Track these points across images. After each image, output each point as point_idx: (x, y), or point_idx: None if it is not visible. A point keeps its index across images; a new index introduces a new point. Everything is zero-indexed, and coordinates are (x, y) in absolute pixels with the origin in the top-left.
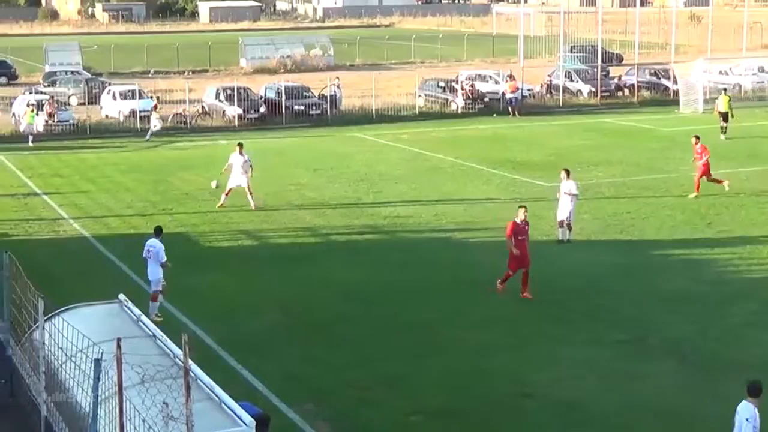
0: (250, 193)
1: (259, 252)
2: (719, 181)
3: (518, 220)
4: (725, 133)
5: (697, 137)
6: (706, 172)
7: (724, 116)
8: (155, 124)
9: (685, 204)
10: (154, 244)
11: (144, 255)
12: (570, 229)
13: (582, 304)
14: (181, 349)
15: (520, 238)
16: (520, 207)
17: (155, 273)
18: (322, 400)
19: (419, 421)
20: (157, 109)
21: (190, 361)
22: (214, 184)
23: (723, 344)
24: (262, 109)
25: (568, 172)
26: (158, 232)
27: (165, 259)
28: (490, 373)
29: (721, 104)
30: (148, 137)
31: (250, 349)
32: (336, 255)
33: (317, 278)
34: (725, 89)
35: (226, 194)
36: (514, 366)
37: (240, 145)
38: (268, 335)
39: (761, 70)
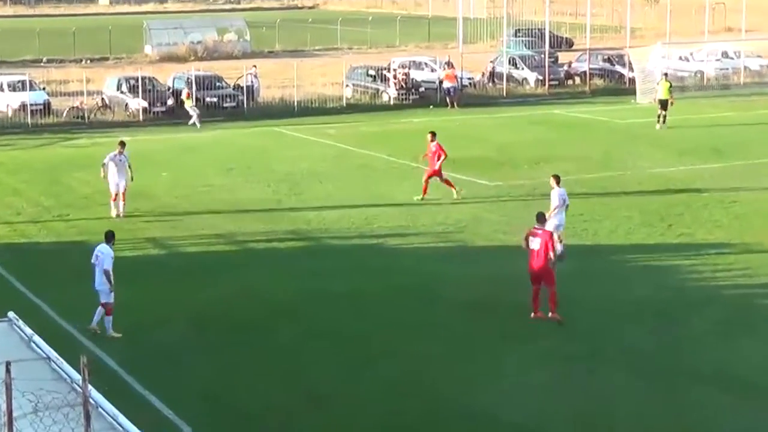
0: (123, 200)
1: (169, 262)
2: (451, 185)
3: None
4: (664, 122)
5: (433, 134)
6: (438, 173)
7: (663, 104)
8: (193, 114)
9: (643, 204)
10: (102, 249)
11: (92, 261)
12: (560, 240)
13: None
14: (80, 373)
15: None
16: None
17: (103, 282)
18: (241, 425)
19: None
20: (190, 97)
21: (90, 387)
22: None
23: (682, 355)
24: (170, 102)
25: (558, 179)
26: (109, 237)
27: (109, 267)
28: (430, 389)
29: (661, 91)
30: (196, 123)
31: (159, 371)
32: (255, 264)
33: (235, 290)
34: (666, 74)
35: (114, 200)
36: (457, 382)
37: (122, 143)
38: (180, 354)
39: (725, 55)
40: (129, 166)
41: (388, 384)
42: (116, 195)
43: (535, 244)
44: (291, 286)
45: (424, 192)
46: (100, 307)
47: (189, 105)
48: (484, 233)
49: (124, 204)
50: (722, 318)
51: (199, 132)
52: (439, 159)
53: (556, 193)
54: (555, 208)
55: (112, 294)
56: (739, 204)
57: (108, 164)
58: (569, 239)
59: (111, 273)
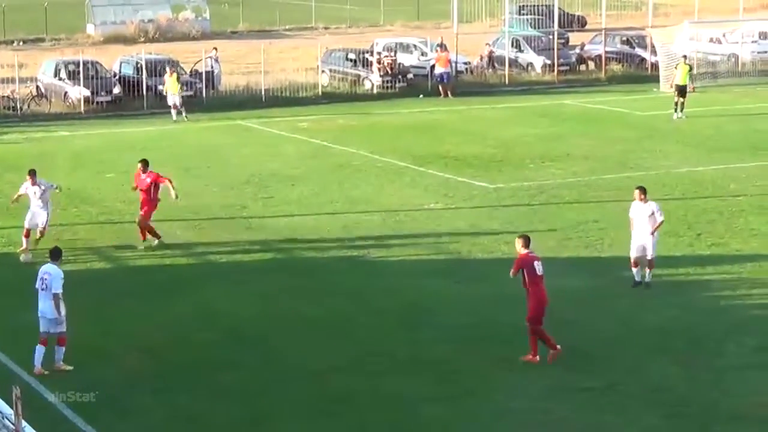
0: (41, 235)
1: (115, 278)
2: (152, 235)
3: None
4: (682, 110)
5: (145, 162)
6: (148, 213)
7: (681, 91)
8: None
9: (667, 210)
10: (49, 270)
11: (37, 285)
12: (651, 267)
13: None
14: (12, 408)
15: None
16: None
17: (53, 309)
18: None
19: None
20: (165, 86)
21: (24, 423)
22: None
23: (716, 390)
24: (117, 90)
25: (644, 191)
26: (55, 254)
27: (59, 290)
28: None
29: (679, 75)
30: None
31: (103, 407)
32: (216, 281)
33: (192, 312)
34: (685, 56)
35: (26, 236)
36: (449, 423)
37: (31, 173)
38: (127, 388)
39: (763, 36)
40: (56, 188)
41: (368, 426)
42: (28, 231)
43: (541, 269)
44: (257, 309)
45: (151, 235)
46: (39, 345)
47: (171, 93)
48: (483, 244)
49: (41, 239)
50: (763, 345)
51: (166, 125)
52: (158, 192)
53: (649, 208)
54: (632, 220)
55: (65, 323)
56: None
57: (24, 194)
58: (582, 251)
59: (61, 298)
